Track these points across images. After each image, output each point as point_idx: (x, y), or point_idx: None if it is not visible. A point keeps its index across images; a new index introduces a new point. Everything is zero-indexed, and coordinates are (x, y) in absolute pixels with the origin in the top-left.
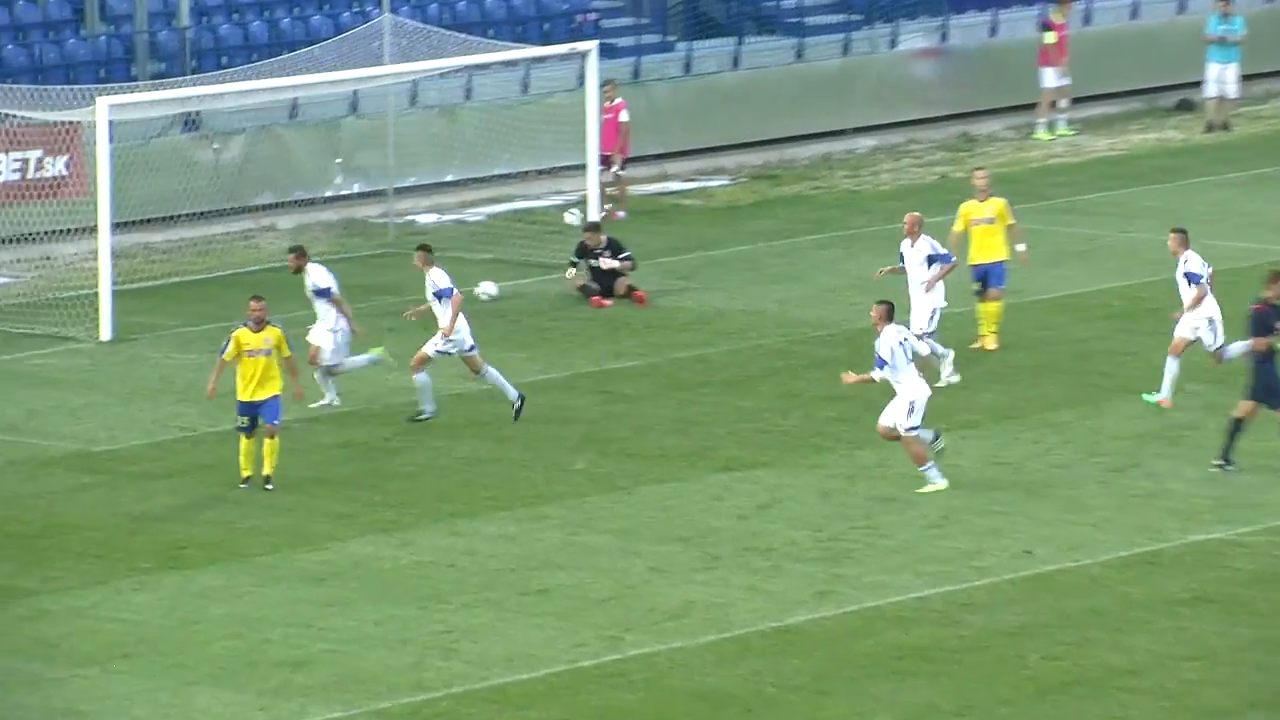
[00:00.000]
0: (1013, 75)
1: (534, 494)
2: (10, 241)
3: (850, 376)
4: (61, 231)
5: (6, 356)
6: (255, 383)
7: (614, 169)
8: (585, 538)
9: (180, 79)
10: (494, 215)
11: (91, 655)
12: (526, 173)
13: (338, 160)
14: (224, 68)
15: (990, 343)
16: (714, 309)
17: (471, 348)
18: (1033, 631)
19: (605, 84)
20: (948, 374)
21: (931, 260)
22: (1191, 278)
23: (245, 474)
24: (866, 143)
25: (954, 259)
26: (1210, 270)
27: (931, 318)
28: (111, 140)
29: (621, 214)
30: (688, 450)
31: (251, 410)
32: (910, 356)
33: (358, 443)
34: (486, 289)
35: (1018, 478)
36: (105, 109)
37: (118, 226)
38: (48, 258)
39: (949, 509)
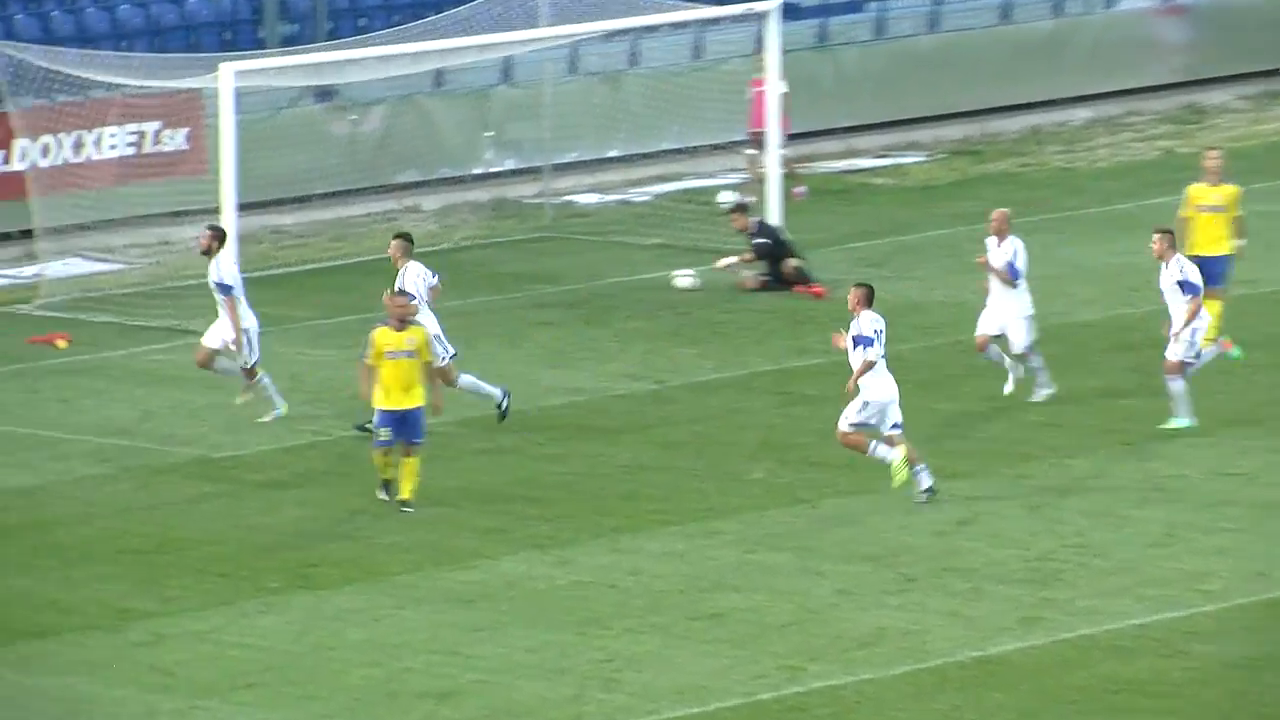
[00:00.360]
0: (1247, 37)
1: (705, 506)
2: (125, 224)
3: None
4: (181, 213)
5: (120, 351)
6: (399, 389)
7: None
8: (763, 556)
9: (313, 44)
10: (661, 195)
11: (213, 685)
12: (698, 148)
13: (488, 134)
14: (362, 31)
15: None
16: (908, 300)
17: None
18: (1268, 663)
19: (758, 52)
20: (1017, 384)
21: (1010, 268)
22: (1188, 287)
23: (385, 477)
24: (1081, 114)
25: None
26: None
27: (1028, 332)
28: (237, 111)
29: (802, 189)
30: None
31: (395, 421)
32: (882, 350)
33: (508, 449)
34: (686, 277)
35: (1250, 491)
36: (230, 76)
37: (243, 207)
38: (166, 242)
39: (1172, 526)
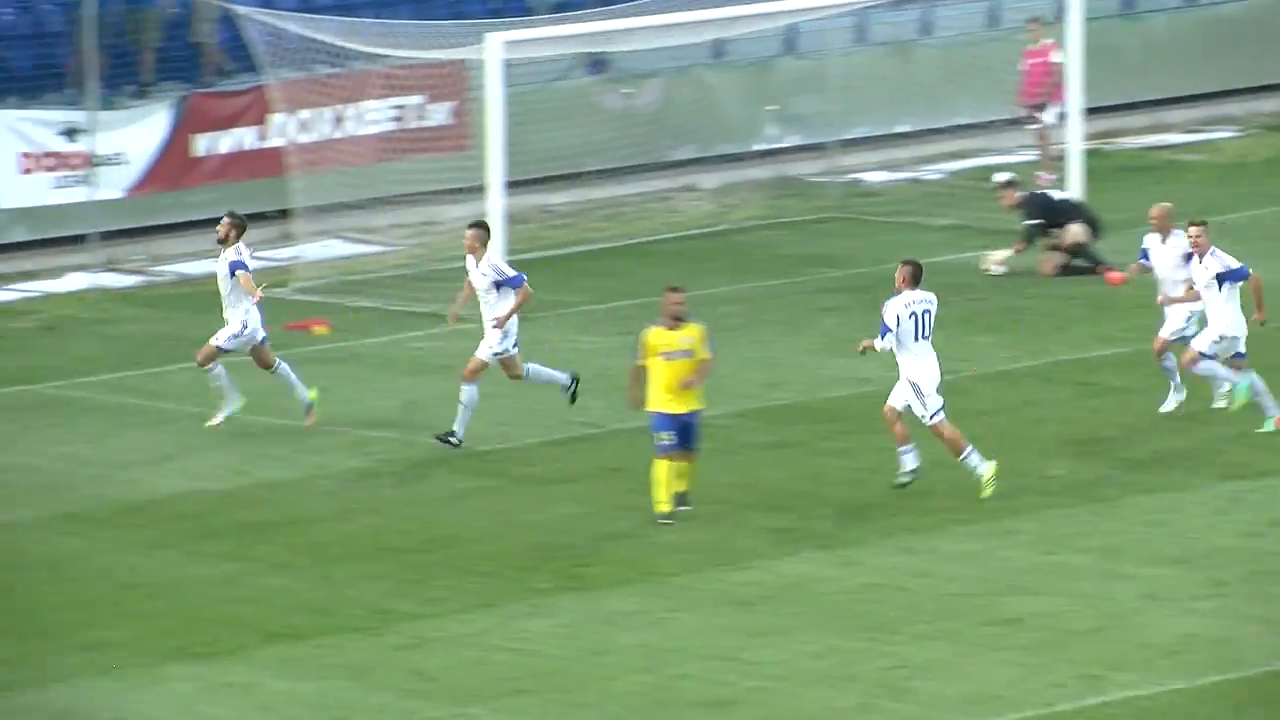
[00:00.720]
0: None
1: (1001, 504)
2: (387, 203)
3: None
4: (445, 191)
5: (382, 338)
6: (678, 392)
7: (1045, 120)
8: (1062, 557)
9: (585, 11)
10: (955, 173)
11: (477, 691)
12: (993, 123)
13: (771, 108)
14: None
15: None
16: None
17: (515, 345)
18: None
19: (1030, 21)
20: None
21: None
22: (1234, 275)
23: (663, 508)
24: None
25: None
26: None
27: (1184, 325)
28: (504, 84)
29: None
30: (1186, 454)
31: (676, 425)
32: (926, 332)
33: (791, 443)
34: (997, 261)
35: None
36: (498, 47)
37: (511, 186)
38: (430, 222)
39: None
